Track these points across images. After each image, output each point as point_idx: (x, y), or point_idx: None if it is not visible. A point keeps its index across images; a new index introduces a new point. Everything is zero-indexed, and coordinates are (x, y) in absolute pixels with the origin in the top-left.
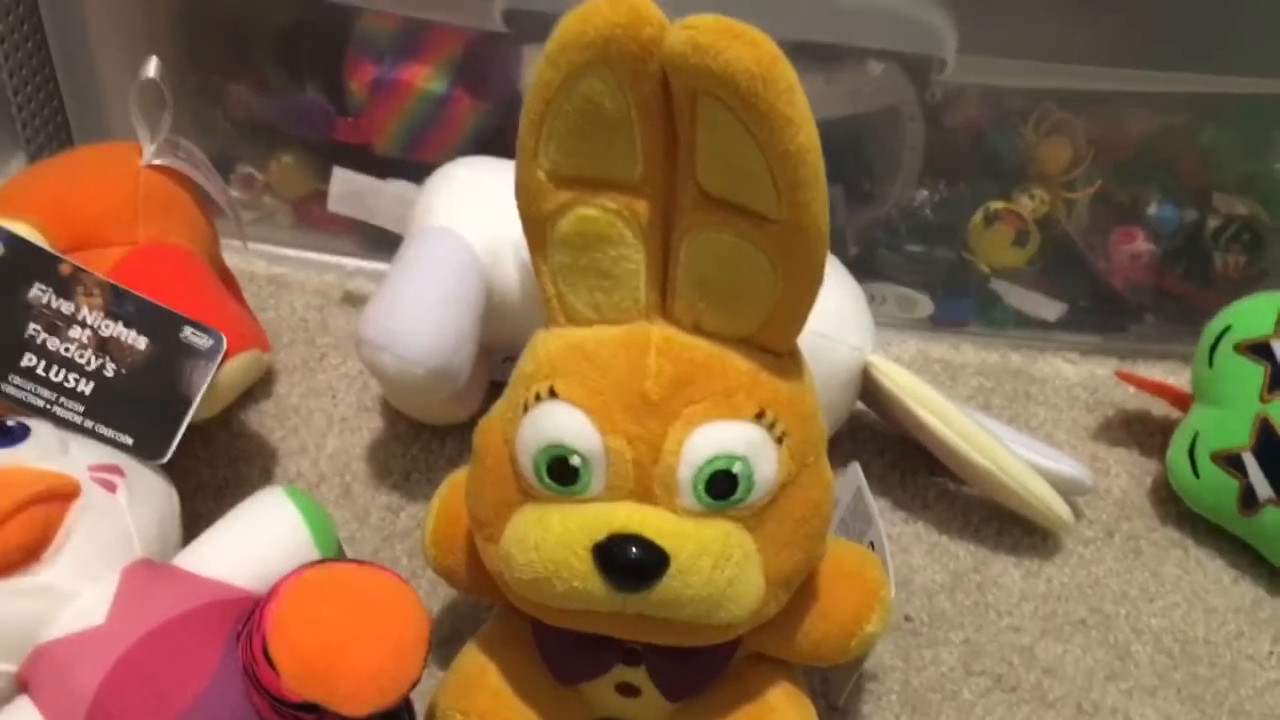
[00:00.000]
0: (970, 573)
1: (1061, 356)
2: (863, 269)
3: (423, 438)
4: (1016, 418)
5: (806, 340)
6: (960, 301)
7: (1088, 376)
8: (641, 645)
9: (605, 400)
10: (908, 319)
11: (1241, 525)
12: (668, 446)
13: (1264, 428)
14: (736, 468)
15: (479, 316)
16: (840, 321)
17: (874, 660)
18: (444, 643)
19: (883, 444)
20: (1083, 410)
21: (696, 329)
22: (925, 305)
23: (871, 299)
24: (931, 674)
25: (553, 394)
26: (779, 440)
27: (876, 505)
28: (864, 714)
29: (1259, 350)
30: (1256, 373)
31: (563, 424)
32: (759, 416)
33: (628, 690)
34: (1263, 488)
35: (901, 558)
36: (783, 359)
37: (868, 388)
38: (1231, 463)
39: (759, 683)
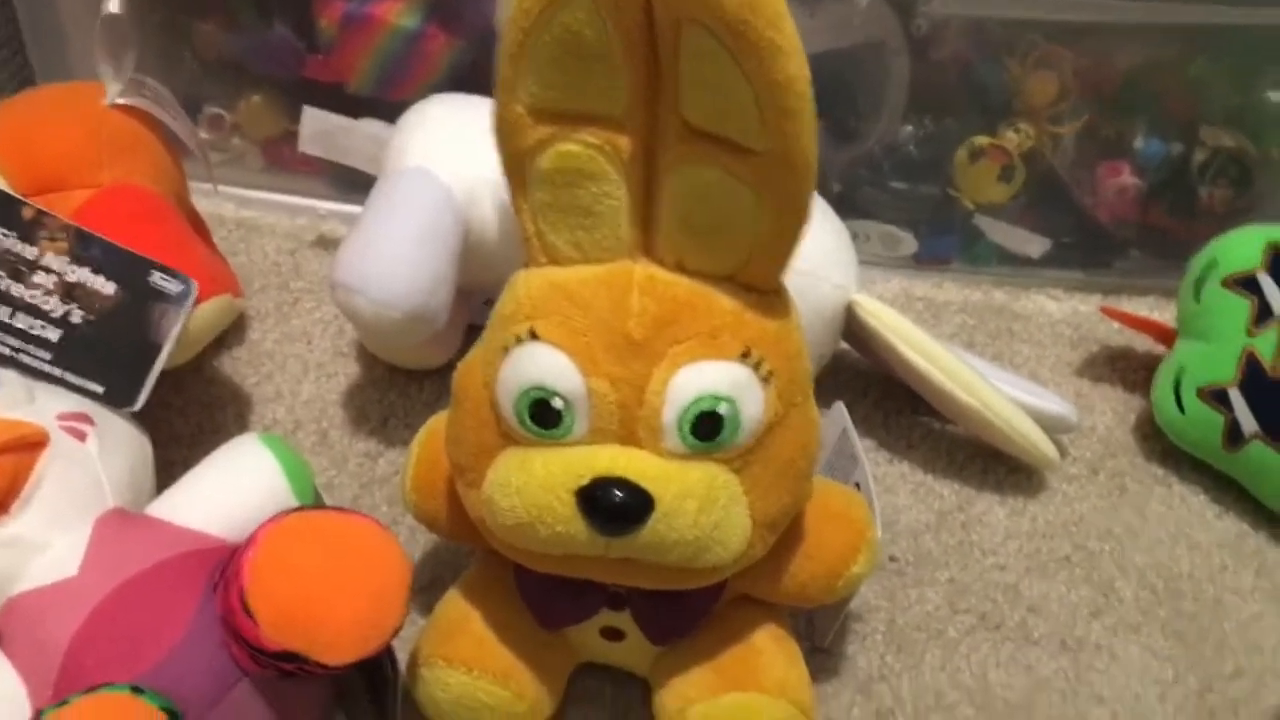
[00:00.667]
0: (955, 512)
1: (1045, 293)
2: (846, 206)
3: (400, 382)
4: (1000, 355)
5: (789, 279)
6: (944, 238)
7: (1072, 313)
8: (626, 589)
9: (587, 341)
10: (891, 257)
11: (1226, 461)
12: (652, 388)
13: (1250, 362)
14: (722, 409)
15: (456, 258)
16: (823, 259)
17: (859, 600)
18: (425, 590)
19: (866, 384)
20: (1067, 347)
21: (680, 267)
22: (909, 243)
23: (855, 237)
24: (916, 613)
25: (534, 335)
26: (765, 380)
27: (862, 445)
28: (849, 654)
29: (1245, 284)
30: (1242, 306)
31: (544, 366)
32: (745, 356)
33: (612, 634)
34: (1248, 422)
35: (886, 498)
36: (768, 297)
37: (851, 327)
38: (1217, 398)
39: (744, 625)
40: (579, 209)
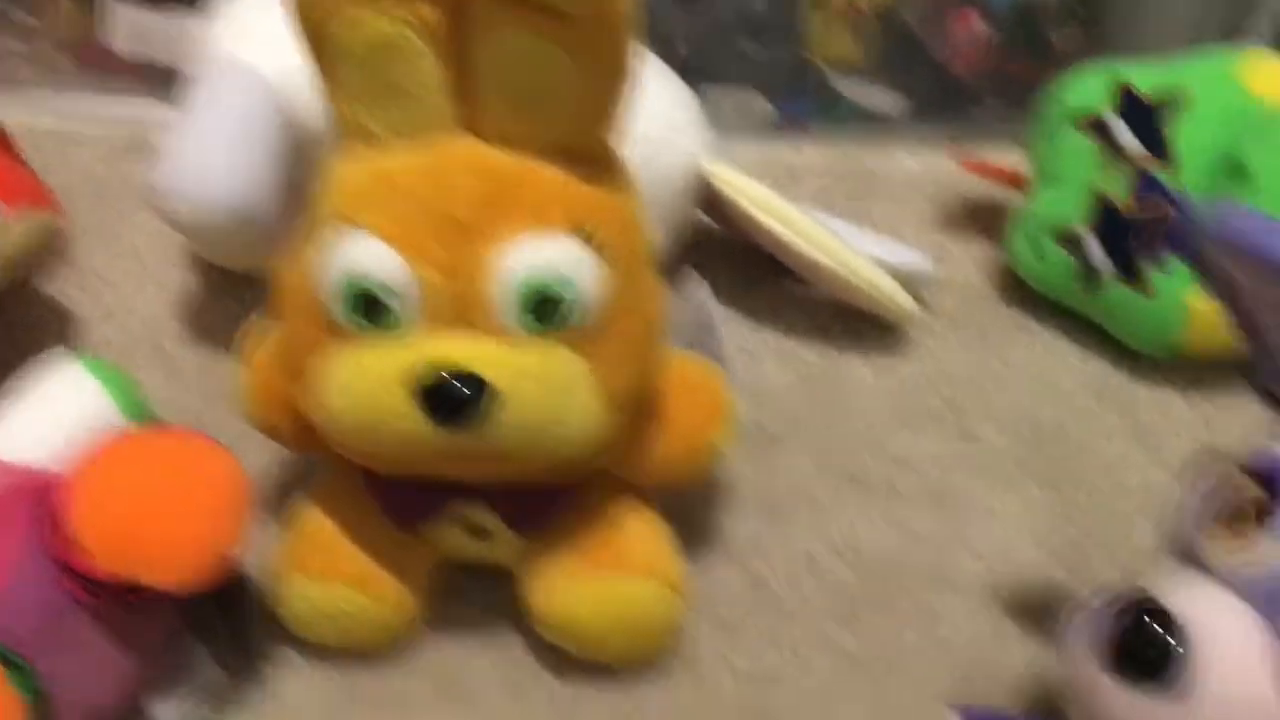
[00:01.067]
0: (821, 375)
1: (904, 150)
2: (697, 73)
3: (239, 289)
4: (861, 215)
5: (636, 149)
6: (799, 101)
7: (931, 167)
8: (484, 481)
9: (411, 227)
10: (747, 123)
11: (1084, 302)
12: (482, 270)
13: (1102, 203)
14: (557, 286)
15: (280, 153)
16: (670, 127)
17: (728, 470)
18: (283, 498)
19: (728, 254)
20: (927, 202)
21: (504, 141)
22: (764, 107)
23: (708, 104)
24: (786, 479)
25: (354, 225)
26: (601, 253)
27: (722, 315)
28: (719, 526)
29: (1094, 125)
30: (1093, 147)
31: (366, 256)
32: (577, 230)
33: (475, 530)
34: (1103, 263)
35: (753, 366)
36: (600, 167)
37: (705, 195)
38: (1071, 240)
39: (609, 507)
40: (391, 87)
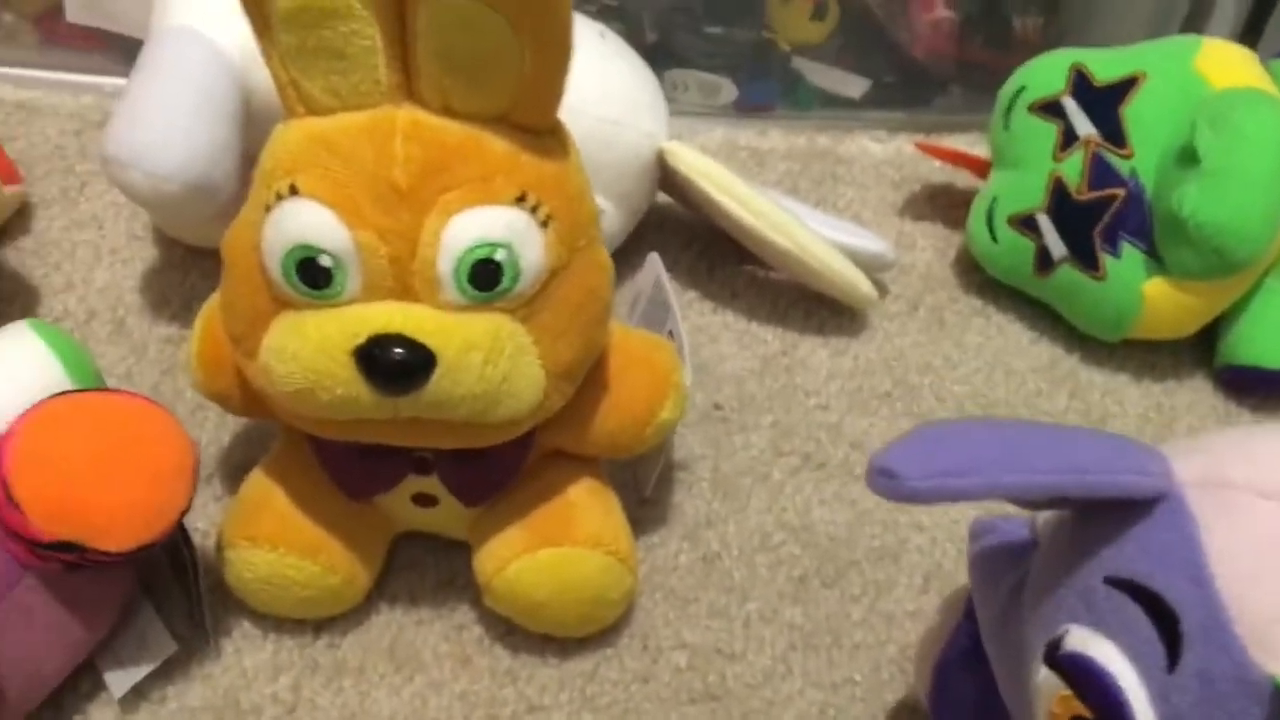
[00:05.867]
0: (779, 356)
1: (868, 135)
2: (662, 55)
3: (203, 264)
4: (824, 199)
5: (595, 127)
6: (763, 84)
7: (894, 153)
8: (432, 453)
9: (351, 193)
10: (712, 106)
11: (1038, 286)
12: (424, 239)
13: (1057, 187)
14: (499, 255)
15: (237, 124)
16: (631, 107)
17: (684, 450)
18: (238, 472)
19: (690, 235)
20: (889, 187)
21: (446, 110)
22: (729, 90)
23: (674, 87)
24: (741, 459)
25: (294, 191)
26: (544, 224)
27: (678, 295)
28: (674, 503)
29: (1051, 109)
30: (1050, 131)
31: (307, 222)
32: (521, 200)
33: (424, 500)
34: (1057, 247)
35: (710, 347)
36: (544, 138)
37: (666, 175)
38: (1027, 224)
39: (558, 480)
40: (330, 52)
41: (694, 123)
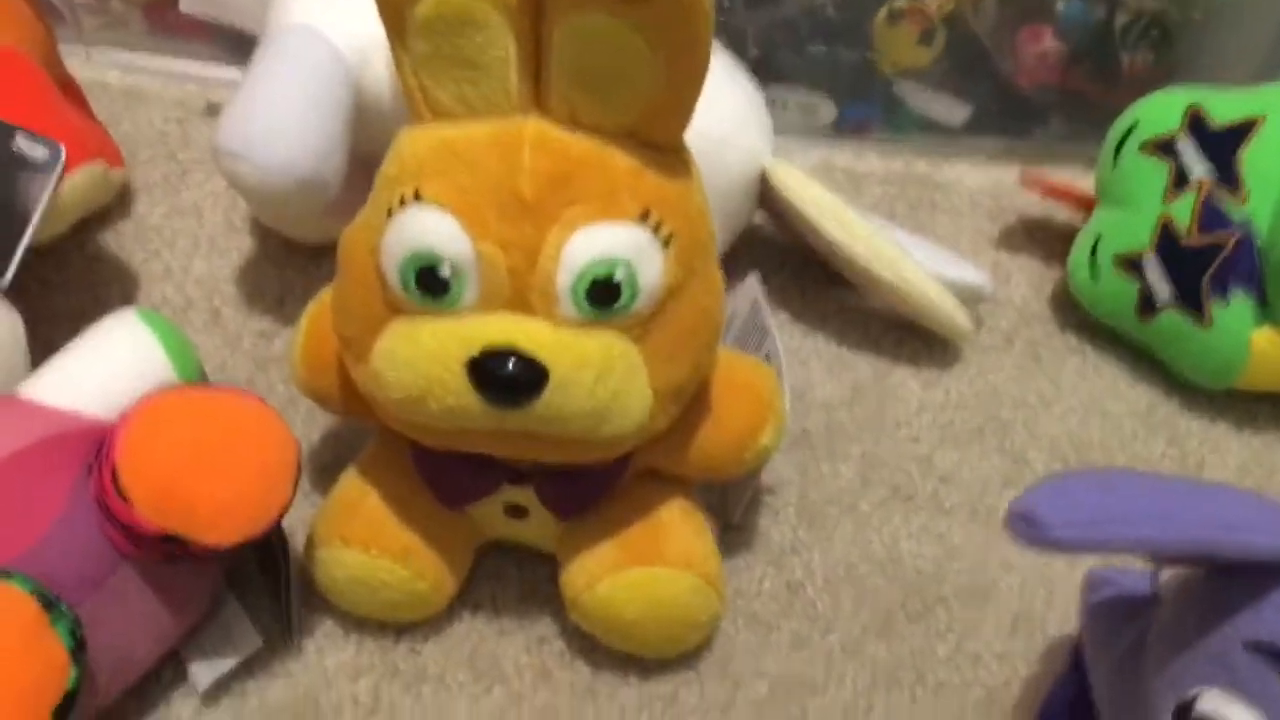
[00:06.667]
0: (869, 384)
1: (966, 162)
2: (763, 72)
3: (298, 259)
4: (920, 226)
5: (701, 145)
6: (864, 106)
7: (992, 183)
8: (528, 463)
9: (476, 202)
10: (810, 125)
11: (1139, 329)
12: (545, 252)
13: (1166, 229)
14: (620, 273)
15: (347, 122)
16: (737, 125)
17: (771, 475)
18: (327, 471)
19: (782, 256)
20: (985, 217)
21: (574, 122)
22: (828, 110)
23: (773, 104)
24: (829, 487)
25: (418, 197)
26: (665, 243)
27: (774, 318)
28: (760, 529)
29: (1164, 148)
30: (1161, 171)
31: (430, 229)
32: (643, 218)
33: (516, 511)
34: (1162, 290)
35: (801, 371)
36: (668, 156)
37: (766, 195)
38: (1132, 266)
39: (651, 499)
40: (463, 60)
41: (791, 141)
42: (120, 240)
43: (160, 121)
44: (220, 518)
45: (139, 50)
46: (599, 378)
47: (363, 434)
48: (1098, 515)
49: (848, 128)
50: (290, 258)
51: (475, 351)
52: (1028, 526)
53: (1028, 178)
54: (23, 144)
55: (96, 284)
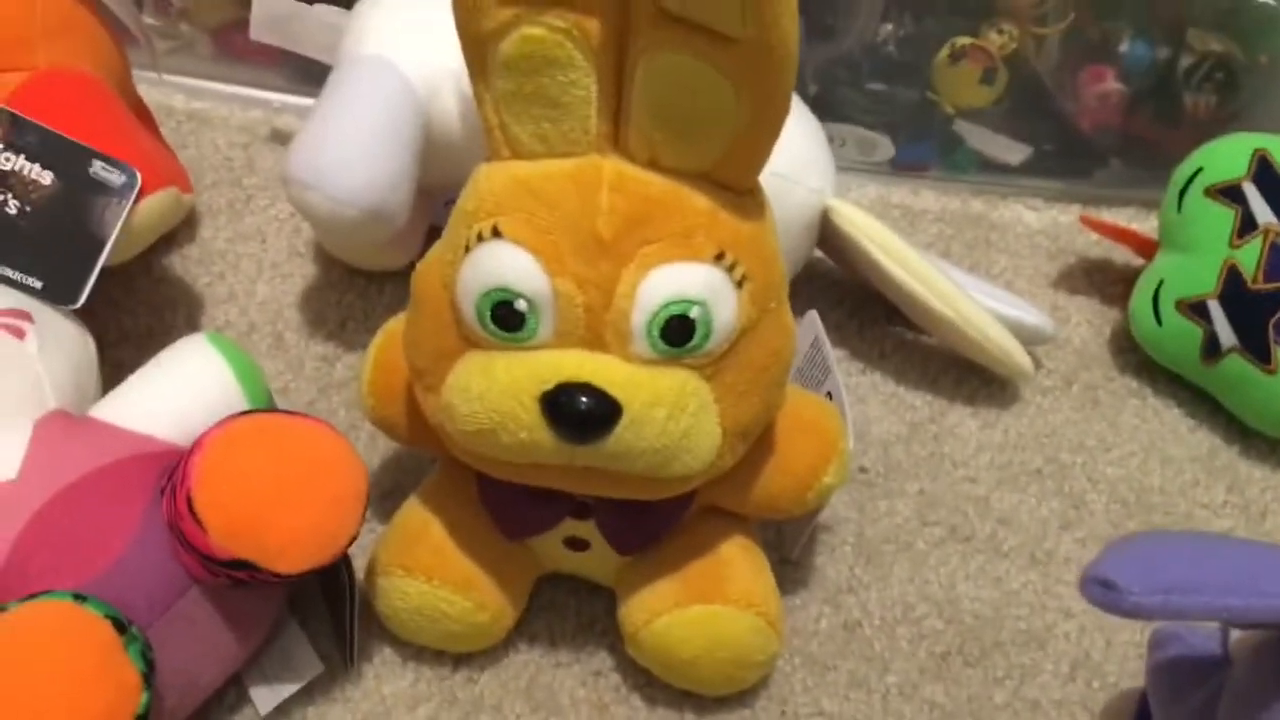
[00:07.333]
0: (927, 423)
1: (1024, 202)
2: (822, 109)
3: (359, 284)
4: (977, 265)
5: (767, 182)
6: (922, 144)
7: (1050, 223)
8: (591, 498)
9: (554, 240)
10: (867, 162)
11: (1202, 374)
12: (621, 290)
13: (1231, 274)
14: (694, 313)
15: (416, 154)
16: (800, 162)
17: (828, 512)
18: (385, 497)
19: (840, 292)
20: (1044, 258)
21: (652, 163)
22: (886, 148)
23: (831, 141)
24: (886, 525)
25: (496, 233)
26: (739, 284)
27: (834, 355)
28: (818, 566)
29: (1230, 194)
30: (1226, 217)
31: (508, 265)
32: (719, 258)
33: (577, 544)
34: (1226, 336)
35: (858, 408)
36: (744, 198)
37: (826, 232)
38: (1196, 310)
39: (712, 536)
40: (544, 99)
41: (848, 178)
42: (185, 263)
43: (225, 146)
44: (292, 546)
45: (205, 76)
46: (671, 415)
47: (423, 461)
48: (1176, 582)
49: (905, 165)
50: (352, 283)
51: (549, 386)
52: (1105, 591)
53: (1089, 220)
54: (100, 169)
55: (162, 306)
